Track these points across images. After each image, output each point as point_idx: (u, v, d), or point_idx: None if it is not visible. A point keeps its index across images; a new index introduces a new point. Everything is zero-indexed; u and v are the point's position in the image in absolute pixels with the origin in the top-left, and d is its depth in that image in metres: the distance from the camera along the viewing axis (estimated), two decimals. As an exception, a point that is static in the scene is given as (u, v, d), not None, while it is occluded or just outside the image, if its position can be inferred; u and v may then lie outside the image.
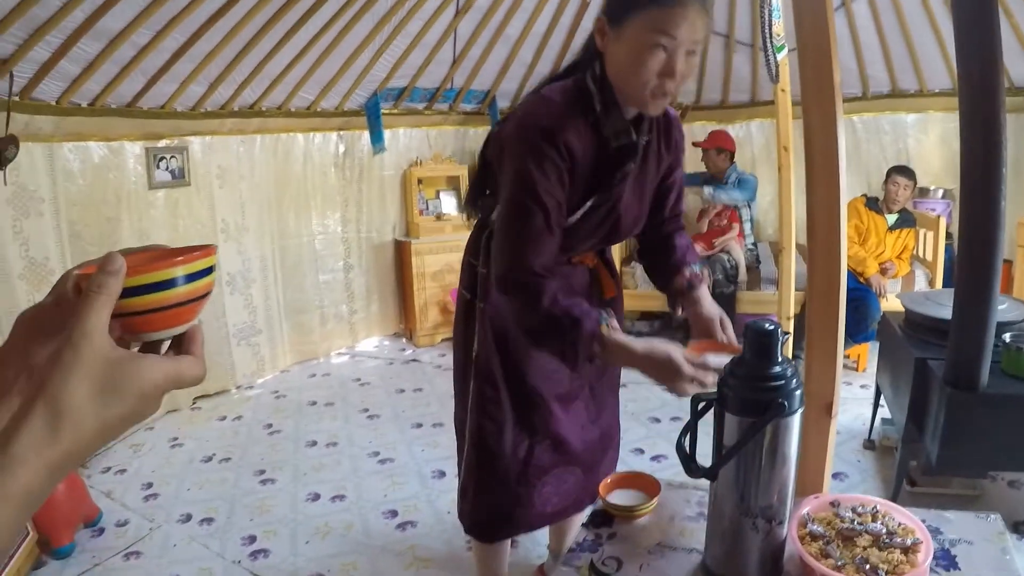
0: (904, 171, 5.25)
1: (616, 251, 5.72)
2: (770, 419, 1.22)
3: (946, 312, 2.83)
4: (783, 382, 1.23)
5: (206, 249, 0.70)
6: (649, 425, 4.38)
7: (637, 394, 4.78)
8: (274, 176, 5.42)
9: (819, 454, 1.78)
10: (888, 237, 5.19)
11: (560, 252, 1.78)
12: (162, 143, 4.67)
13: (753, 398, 1.23)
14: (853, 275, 5.04)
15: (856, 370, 5.16)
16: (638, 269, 5.91)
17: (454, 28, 5.36)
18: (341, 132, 5.84)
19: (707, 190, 5.74)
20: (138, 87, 4.31)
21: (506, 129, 1.74)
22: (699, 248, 5.53)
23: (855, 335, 4.85)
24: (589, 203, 1.77)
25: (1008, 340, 2.93)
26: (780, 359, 1.25)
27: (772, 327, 1.24)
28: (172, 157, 4.72)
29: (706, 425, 1.29)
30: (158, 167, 4.65)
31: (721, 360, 1.46)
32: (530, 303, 1.63)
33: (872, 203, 5.28)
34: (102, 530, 3.41)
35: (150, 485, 3.85)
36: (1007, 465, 3.16)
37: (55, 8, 3.42)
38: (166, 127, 4.67)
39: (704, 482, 1.34)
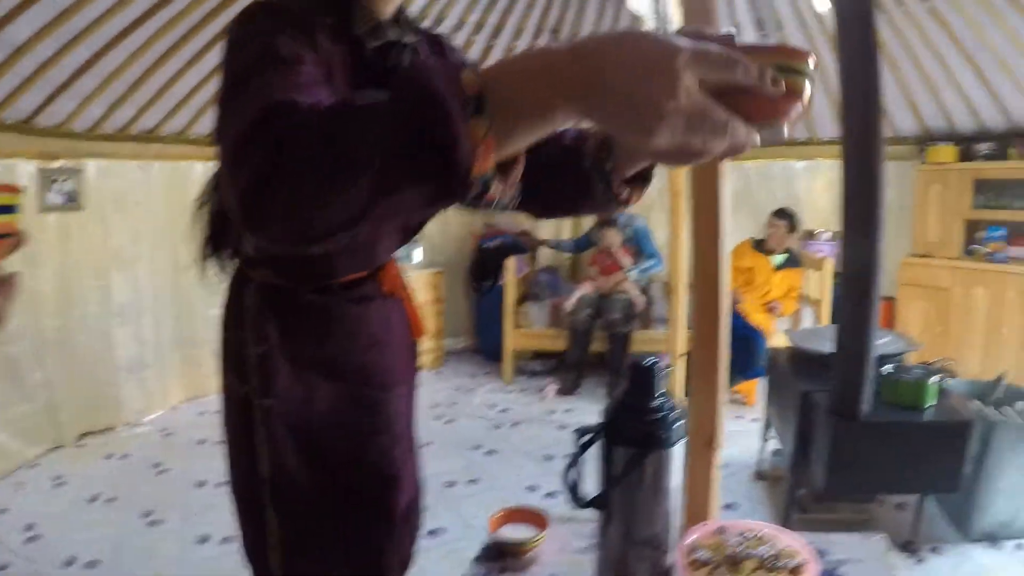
0: (780, 214, 5.53)
1: (510, 293, 5.80)
2: (651, 451, 1.26)
3: (829, 347, 2.98)
4: (663, 415, 1.28)
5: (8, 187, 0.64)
6: (542, 463, 4.42)
7: (530, 432, 4.82)
8: (170, 204, 5.26)
9: (705, 485, 1.83)
10: (774, 277, 5.39)
11: (352, 261, 1.37)
12: (56, 164, 4.50)
13: (635, 431, 1.27)
14: (740, 316, 5.20)
15: (746, 404, 5.33)
16: (532, 308, 5.98)
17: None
18: (242, 163, 5.72)
19: (635, 272, 5.85)
20: (36, 103, 4.18)
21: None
22: (592, 288, 5.65)
23: (744, 372, 5.03)
24: None
25: (888, 371, 3.09)
26: (660, 393, 1.29)
27: (652, 362, 1.29)
28: (66, 179, 4.56)
29: (591, 460, 1.32)
30: (50, 189, 4.48)
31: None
32: (309, 128, 0.71)
33: (758, 245, 5.51)
34: (-21, 573, 3.23)
35: (32, 526, 3.66)
36: (891, 489, 3.36)
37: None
38: (62, 147, 4.51)
39: (591, 515, 1.37)
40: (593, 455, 1.34)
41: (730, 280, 5.59)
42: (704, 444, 1.80)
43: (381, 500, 1.49)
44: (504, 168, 0.69)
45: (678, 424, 1.30)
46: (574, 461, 1.34)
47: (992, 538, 3.30)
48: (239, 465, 1.44)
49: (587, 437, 1.34)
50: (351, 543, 1.46)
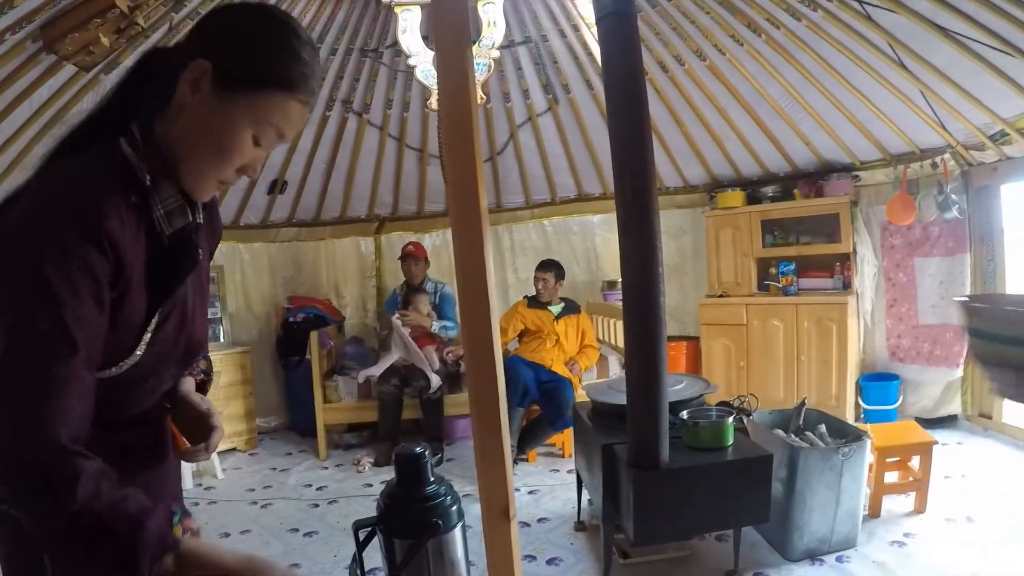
0: (544, 266, 5.71)
1: (316, 367, 5.76)
2: (429, 537, 1.27)
3: (623, 399, 3.06)
4: (438, 501, 1.29)
5: None
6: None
7: (348, 508, 4.72)
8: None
9: (505, 556, 1.84)
10: (558, 326, 5.54)
11: (133, 408, 1.34)
12: None
13: (410, 520, 1.28)
14: (546, 369, 5.36)
15: (563, 456, 5.43)
16: (340, 381, 5.92)
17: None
18: None
19: (435, 325, 5.89)
20: None
21: (7, 223, 1.09)
22: (397, 356, 5.65)
23: (554, 423, 5.14)
24: (155, 319, 1.23)
25: (686, 416, 3.23)
26: (431, 480, 1.31)
27: (420, 450, 1.30)
28: None
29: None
30: None
31: None
32: (55, 500, 0.97)
33: (533, 301, 5.67)
34: None
35: None
36: (702, 529, 3.50)
37: None
38: None
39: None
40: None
41: (520, 340, 5.66)
42: (498, 515, 1.82)
43: None
44: None
45: (454, 507, 1.32)
46: (355, 556, 1.34)
47: (813, 555, 3.47)
48: None
49: (365, 531, 1.34)
50: None
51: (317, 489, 5.14)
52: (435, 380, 5.51)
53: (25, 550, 1.22)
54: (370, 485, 5.15)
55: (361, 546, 1.34)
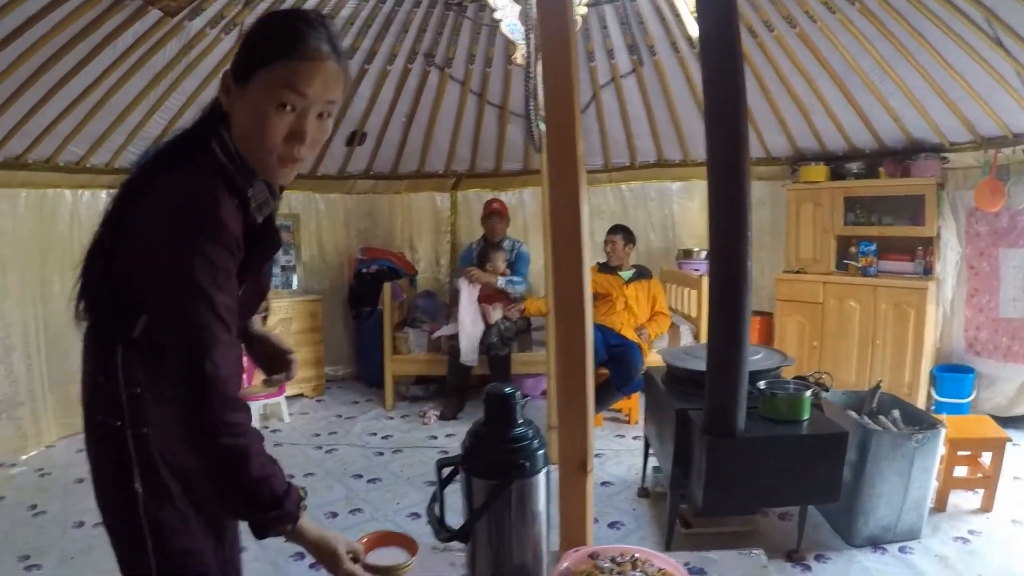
0: (614, 230, 5.71)
1: (387, 319, 5.81)
2: (514, 480, 1.26)
3: (703, 365, 3.02)
4: (525, 443, 1.28)
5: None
6: (425, 489, 4.37)
7: (412, 458, 4.80)
8: (39, 235, 5.04)
9: (579, 509, 1.84)
10: (628, 290, 5.49)
11: None
12: (-82, 191, 4.27)
13: (496, 461, 1.27)
14: (615, 332, 5.31)
15: (628, 423, 5.43)
16: (411, 333, 5.97)
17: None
18: (111, 190, 5.51)
19: (501, 280, 5.89)
20: None
21: (151, 221, 1.35)
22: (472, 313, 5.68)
23: (622, 387, 5.11)
24: (242, 288, 1.45)
25: (763, 387, 3.18)
26: (520, 422, 1.30)
27: (510, 391, 1.29)
28: (-71, 208, 4.33)
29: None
30: (-88, 218, 4.25)
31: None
32: (234, 467, 1.29)
33: (604, 266, 5.63)
34: None
35: (-95, 575, 3.43)
36: (770, 503, 3.45)
37: None
38: (-77, 174, 4.27)
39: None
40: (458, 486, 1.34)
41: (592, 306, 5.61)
42: (576, 468, 1.81)
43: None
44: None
45: (540, 451, 1.31)
46: (436, 494, 1.34)
47: (876, 542, 3.42)
48: (118, 502, 1.54)
49: (448, 469, 1.34)
50: (218, 554, 1.60)
51: (382, 438, 5.21)
52: (465, 349, 5.58)
53: (120, 473, 1.50)
54: (435, 437, 5.22)
55: (443, 483, 1.34)
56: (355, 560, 1.41)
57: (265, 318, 1.68)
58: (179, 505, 1.51)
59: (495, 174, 7.11)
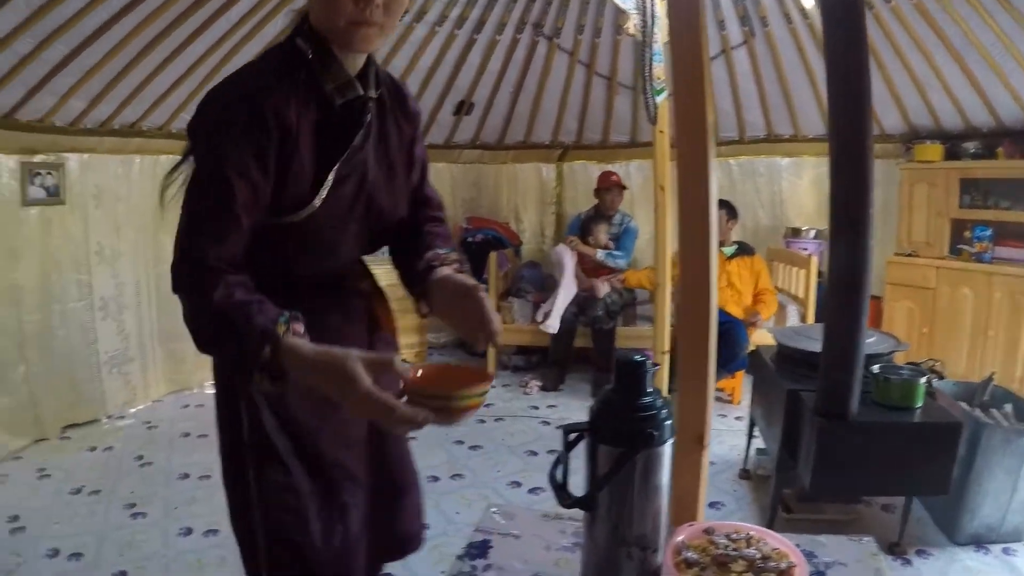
0: (720, 204, 5.49)
1: (492, 288, 5.81)
2: (641, 449, 1.23)
3: (816, 346, 2.95)
4: (653, 413, 1.25)
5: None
6: (526, 458, 4.41)
7: (514, 427, 4.83)
8: (152, 199, 5.15)
9: (692, 484, 1.81)
10: (731, 266, 5.36)
11: (320, 266, 1.57)
12: (38, 158, 4.47)
13: (624, 428, 1.25)
14: (719, 309, 5.20)
15: (731, 403, 5.34)
16: (515, 303, 5.99)
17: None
18: (221, 156, 5.68)
19: (601, 254, 5.87)
20: (16, 97, 4.15)
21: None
22: (577, 285, 5.67)
23: (726, 365, 5.00)
24: (331, 176, 1.44)
25: (877, 371, 3.08)
26: (650, 390, 1.27)
27: (641, 359, 1.26)
28: (48, 173, 4.53)
29: (579, 457, 1.30)
30: (32, 183, 4.44)
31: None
32: (200, 299, 1.29)
33: None
34: (-36, 563, 3.20)
35: (16, 517, 3.62)
36: (877, 489, 3.35)
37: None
38: (43, 142, 4.48)
39: (579, 513, 1.34)
40: (580, 453, 1.32)
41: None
42: (693, 442, 1.79)
43: (344, 463, 1.66)
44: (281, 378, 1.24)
45: (668, 422, 1.28)
46: (561, 459, 1.32)
47: (979, 541, 3.28)
48: (226, 431, 1.62)
49: (574, 435, 1.32)
50: (320, 504, 1.62)
51: (484, 406, 5.24)
52: (551, 323, 5.59)
53: (231, 398, 1.58)
54: (536, 408, 5.26)
55: (568, 447, 1.32)
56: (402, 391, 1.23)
57: (462, 272, 1.58)
58: (281, 455, 1.56)
59: (602, 146, 7.04)
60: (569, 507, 1.29)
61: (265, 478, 1.57)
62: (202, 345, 1.32)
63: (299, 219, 1.43)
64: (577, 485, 1.28)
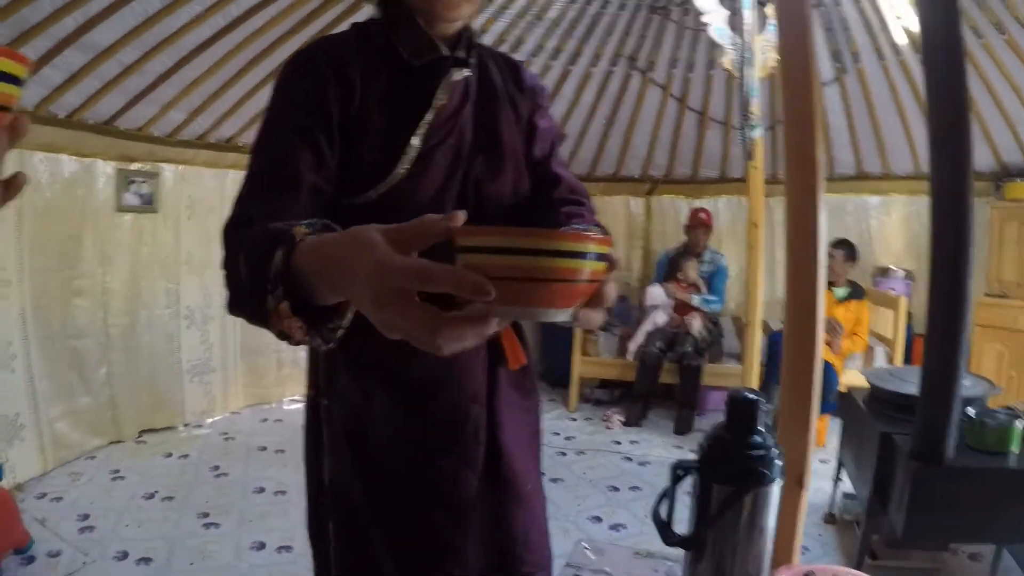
0: (837, 244, 5.44)
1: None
2: (751, 488, 1.20)
3: (909, 388, 2.88)
4: (764, 452, 1.22)
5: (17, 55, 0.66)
6: (607, 493, 4.36)
7: (595, 461, 4.80)
8: (243, 213, 5.34)
9: (790, 525, 1.77)
10: (837, 309, 5.24)
11: None
12: (134, 166, 4.63)
13: (735, 467, 1.22)
14: None
15: (816, 444, 5.19)
16: (601, 336, 5.97)
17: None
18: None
19: (697, 299, 5.84)
20: (117, 106, 4.29)
21: None
22: (666, 319, 5.63)
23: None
24: (415, 141, 1.26)
25: (972, 414, 2.98)
26: (761, 428, 1.24)
27: (754, 397, 1.23)
28: (143, 181, 4.69)
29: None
30: (128, 190, 4.61)
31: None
32: (231, 249, 1.02)
33: None
34: (32, 558, 3.26)
35: (87, 517, 3.70)
36: (970, 537, 3.23)
37: (46, 13, 3.39)
38: (140, 150, 4.63)
39: (670, 551, 1.32)
40: (682, 491, 1.29)
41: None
42: (792, 483, 1.74)
43: (440, 526, 1.38)
44: (322, 315, 0.84)
45: (778, 462, 1.25)
46: (668, 495, 1.30)
47: (1069, 594, 3.14)
48: (309, 472, 1.45)
49: (683, 472, 1.29)
50: (403, 561, 1.37)
51: (565, 438, 5.23)
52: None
53: (314, 433, 1.41)
54: (618, 443, 5.22)
55: (675, 483, 1.29)
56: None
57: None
58: (361, 506, 1.34)
59: (691, 181, 7.01)
60: (673, 545, 1.27)
61: (343, 544, 1.37)
62: (231, 302, 1.01)
63: (380, 193, 1.26)
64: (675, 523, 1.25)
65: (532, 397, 1.60)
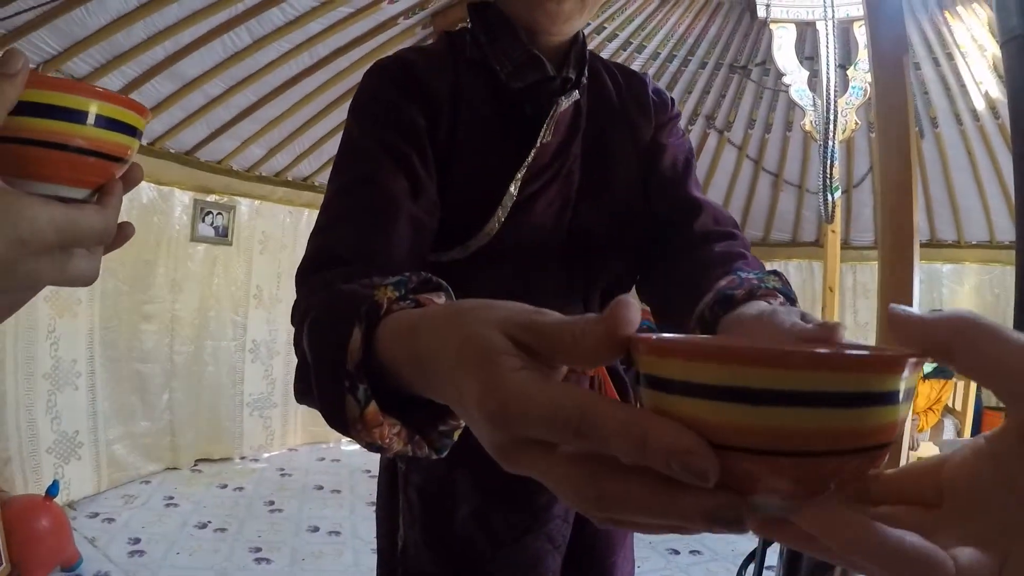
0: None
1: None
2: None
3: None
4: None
5: (136, 105, 0.59)
6: (668, 556, 4.19)
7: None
8: (316, 253, 5.40)
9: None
10: (923, 386, 5.11)
11: None
12: (211, 198, 4.72)
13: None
14: None
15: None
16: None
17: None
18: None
19: None
20: (199, 137, 4.38)
21: None
22: None
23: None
24: (513, 188, 1.00)
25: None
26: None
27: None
28: (219, 214, 4.78)
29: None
30: (203, 220, 4.70)
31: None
32: (302, 304, 0.79)
33: None
34: (80, 577, 3.25)
35: (138, 541, 3.68)
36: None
37: (138, 40, 3.48)
38: (218, 183, 4.72)
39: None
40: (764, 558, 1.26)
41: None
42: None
43: None
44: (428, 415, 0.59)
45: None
46: (754, 557, 1.27)
47: None
48: (385, 535, 1.24)
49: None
50: None
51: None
52: None
53: (390, 493, 1.21)
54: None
55: (765, 545, 1.26)
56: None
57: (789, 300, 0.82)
58: (433, 558, 1.15)
59: (763, 243, 6.95)
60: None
61: None
62: (296, 391, 0.74)
63: (470, 253, 1.02)
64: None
65: None
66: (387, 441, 0.58)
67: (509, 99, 1.04)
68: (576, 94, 1.06)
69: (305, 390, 0.68)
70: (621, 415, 0.37)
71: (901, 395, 0.37)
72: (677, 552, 4.28)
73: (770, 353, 0.35)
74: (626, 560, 1.34)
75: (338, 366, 0.58)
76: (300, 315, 0.75)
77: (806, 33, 4.49)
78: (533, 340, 0.43)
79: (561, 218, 1.06)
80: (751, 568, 1.27)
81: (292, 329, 0.77)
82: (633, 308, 0.41)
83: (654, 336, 0.41)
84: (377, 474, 1.26)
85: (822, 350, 0.39)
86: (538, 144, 1.02)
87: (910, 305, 1.57)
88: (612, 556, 1.30)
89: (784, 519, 0.37)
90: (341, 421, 0.59)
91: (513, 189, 1.00)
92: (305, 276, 0.84)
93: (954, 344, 0.38)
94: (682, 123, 3.60)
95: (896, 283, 1.65)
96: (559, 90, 1.04)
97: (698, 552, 4.26)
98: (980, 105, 4.84)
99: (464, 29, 1.11)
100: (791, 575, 1.19)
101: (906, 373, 0.37)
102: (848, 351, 0.38)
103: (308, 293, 0.80)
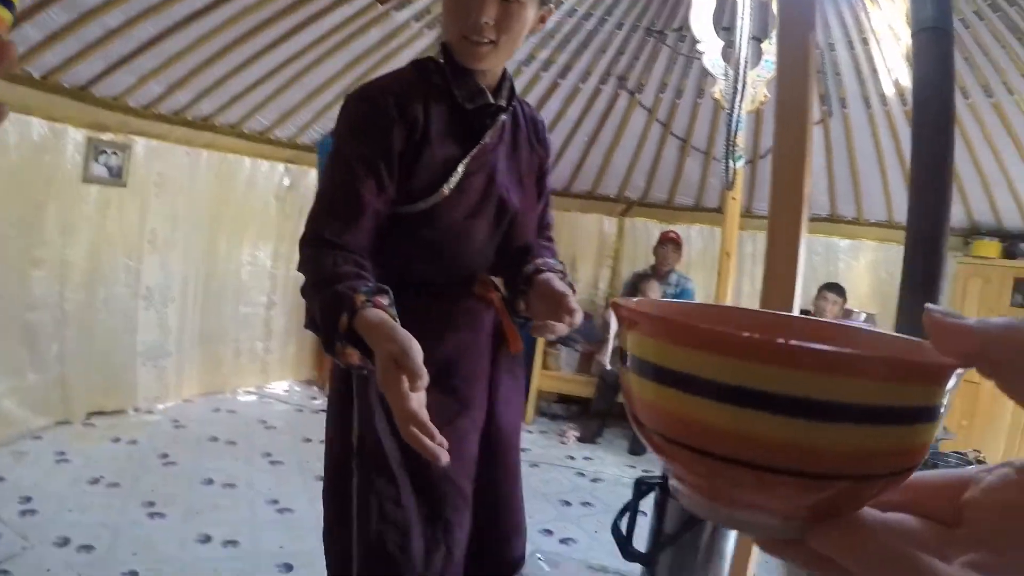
0: (834, 288, 5.56)
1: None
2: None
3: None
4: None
5: None
6: (559, 507, 4.31)
7: (548, 475, 4.77)
8: (213, 195, 5.23)
9: (745, 553, 1.74)
10: None
11: (451, 264, 1.65)
12: (106, 136, 4.48)
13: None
14: None
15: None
16: (563, 351, 5.98)
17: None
18: (289, 165, 5.72)
19: None
20: (95, 72, 4.18)
21: None
22: None
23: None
24: (461, 168, 1.55)
25: (926, 459, 3.00)
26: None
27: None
28: (113, 153, 4.54)
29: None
30: (96, 160, 4.45)
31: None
32: (311, 270, 1.39)
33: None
34: (-33, 542, 3.09)
35: (29, 499, 3.50)
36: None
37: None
38: (113, 120, 4.49)
39: (626, 566, 1.29)
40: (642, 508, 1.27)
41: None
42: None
43: (453, 478, 1.62)
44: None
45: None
46: (630, 511, 1.27)
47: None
48: (338, 431, 1.65)
49: (646, 488, 1.27)
50: (425, 522, 1.60)
51: (520, 450, 5.20)
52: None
53: (344, 400, 1.63)
54: (572, 458, 5.25)
55: (638, 497, 1.26)
56: None
57: (563, 279, 1.66)
58: (389, 456, 1.56)
59: (667, 206, 7.02)
60: (631, 560, 1.24)
61: (370, 488, 1.57)
62: (308, 322, 1.39)
63: (428, 205, 1.55)
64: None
65: (519, 382, 1.89)
66: (352, 360, 1.25)
67: (462, 115, 1.58)
68: (504, 116, 1.63)
69: (312, 328, 1.36)
70: (409, 404, 1.16)
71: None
72: (569, 504, 4.36)
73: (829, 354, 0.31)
74: (519, 465, 1.89)
75: (335, 331, 1.23)
76: (311, 277, 1.38)
77: (725, 4, 4.53)
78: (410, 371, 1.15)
79: (488, 192, 1.62)
80: (626, 517, 1.27)
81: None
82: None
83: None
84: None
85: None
86: (481, 143, 1.58)
87: (794, 272, 1.59)
88: (512, 456, 1.85)
89: (795, 539, 0.36)
90: (332, 352, 1.27)
91: (460, 169, 1.55)
92: (306, 244, 1.44)
93: (1011, 361, 0.35)
94: (594, 82, 5.27)
95: (783, 250, 1.68)
96: (496, 111, 1.61)
97: (589, 504, 4.34)
98: (890, 91, 4.96)
99: (430, 59, 1.61)
100: (663, 525, 1.20)
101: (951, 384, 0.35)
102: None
103: (315, 264, 1.38)
